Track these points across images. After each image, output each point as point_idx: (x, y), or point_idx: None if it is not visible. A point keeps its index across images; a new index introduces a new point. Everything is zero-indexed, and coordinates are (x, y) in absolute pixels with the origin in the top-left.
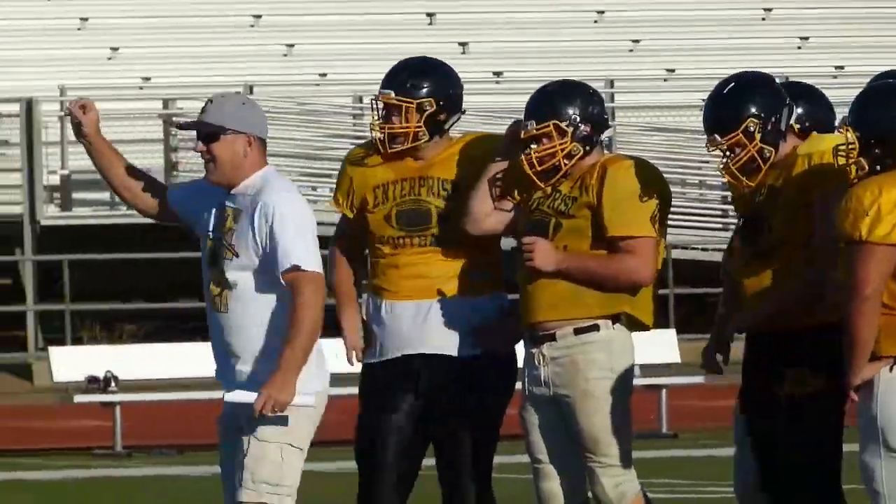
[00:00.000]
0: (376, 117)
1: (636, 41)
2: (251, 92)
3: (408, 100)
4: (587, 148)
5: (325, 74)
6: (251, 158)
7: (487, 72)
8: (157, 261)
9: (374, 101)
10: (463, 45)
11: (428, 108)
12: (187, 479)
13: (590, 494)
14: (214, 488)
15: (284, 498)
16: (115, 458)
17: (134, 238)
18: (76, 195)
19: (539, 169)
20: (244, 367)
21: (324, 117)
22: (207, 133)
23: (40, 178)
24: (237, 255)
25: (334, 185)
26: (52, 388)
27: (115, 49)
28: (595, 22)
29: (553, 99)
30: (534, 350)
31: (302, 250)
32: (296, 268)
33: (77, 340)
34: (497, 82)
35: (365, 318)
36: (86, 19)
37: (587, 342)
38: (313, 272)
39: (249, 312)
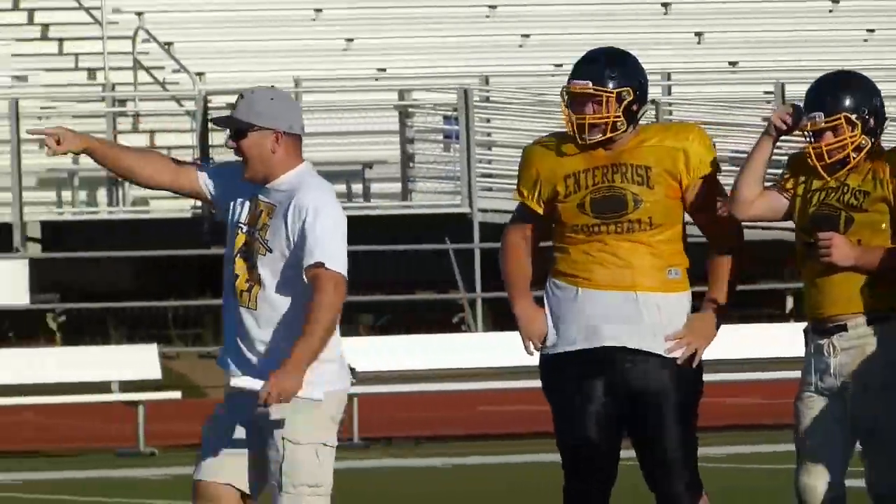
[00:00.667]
0: (566, 108)
1: (699, 34)
2: (486, 83)
3: (607, 90)
4: (873, 140)
5: (560, 65)
6: (280, 154)
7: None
8: (394, 252)
9: (564, 92)
10: (699, 34)
11: (626, 97)
12: (424, 470)
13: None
14: (452, 478)
15: (324, 498)
16: (352, 449)
17: (370, 229)
18: None
19: (827, 162)
20: (264, 363)
21: (558, 108)
22: (237, 130)
23: None
24: (270, 251)
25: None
26: None
27: (349, 40)
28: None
29: (841, 90)
30: (822, 341)
31: (329, 249)
32: (320, 265)
33: None
34: (733, 72)
35: (549, 306)
36: (320, 10)
37: (879, 332)
38: (337, 272)
39: (278, 310)
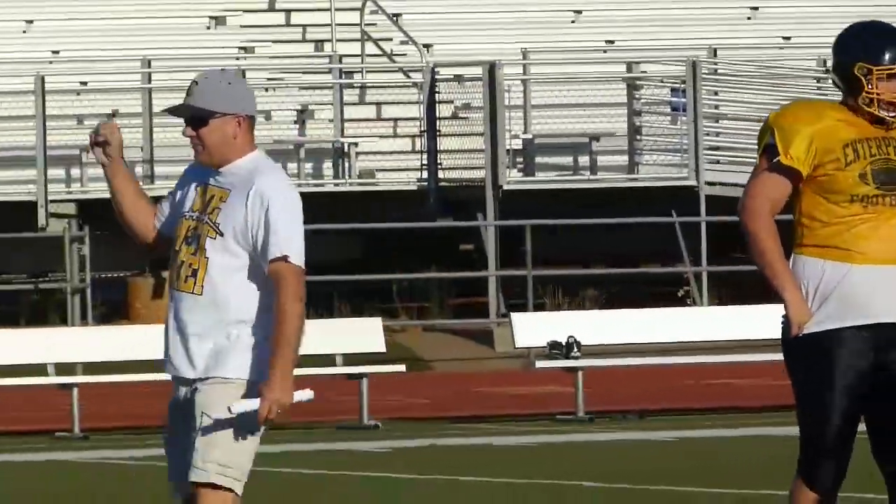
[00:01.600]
0: (869, 87)
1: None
2: (714, 55)
3: None
4: None
5: (789, 38)
6: (241, 138)
7: None
8: (619, 225)
9: (868, 72)
10: None
11: None
12: (648, 444)
13: None
14: (678, 452)
15: (232, 481)
16: (577, 423)
17: (596, 202)
18: (539, 159)
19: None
20: (202, 348)
21: (786, 80)
22: (195, 118)
23: (503, 143)
24: (221, 235)
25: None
26: (514, 353)
27: (577, 12)
28: None
29: None
30: None
31: (292, 242)
32: (284, 258)
33: (539, 306)
34: None
35: (808, 281)
36: None
37: None
38: (299, 266)
39: (224, 294)
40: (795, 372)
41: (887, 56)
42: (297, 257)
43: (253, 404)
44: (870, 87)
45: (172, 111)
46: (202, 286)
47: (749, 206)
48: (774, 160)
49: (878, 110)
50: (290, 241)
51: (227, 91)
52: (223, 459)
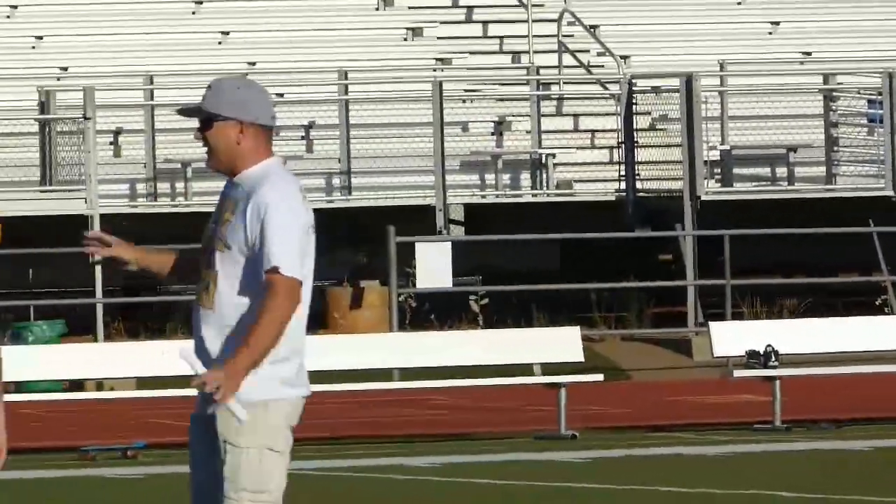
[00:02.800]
0: None
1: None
2: None
3: None
4: None
5: None
6: (245, 146)
7: None
8: (816, 235)
9: None
10: None
11: None
12: (845, 454)
13: None
14: (873, 462)
15: None
16: (774, 432)
17: (793, 212)
18: (736, 170)
19: None
20: (215, 364)
21: None
22: (202, 120)
23: (700, 153)
24: (228, 248)
25: None
26: (712, 362)
27: (775, 23)
28: None
29: None
30: None
31: (284, 253)
32: (275, 269)
33: (737, 315)
34: None
35: None
36: None
37: None
38: (290, 277)
39: (232, 311)
40: None
41: None
42: (289, 268)
43: (199, 367)
44: None
45: (182, 111)
46: (213, 300)
47: None
48: None
49: None
50: (281, 253)
51: (234, 96)
52: (253, 486)
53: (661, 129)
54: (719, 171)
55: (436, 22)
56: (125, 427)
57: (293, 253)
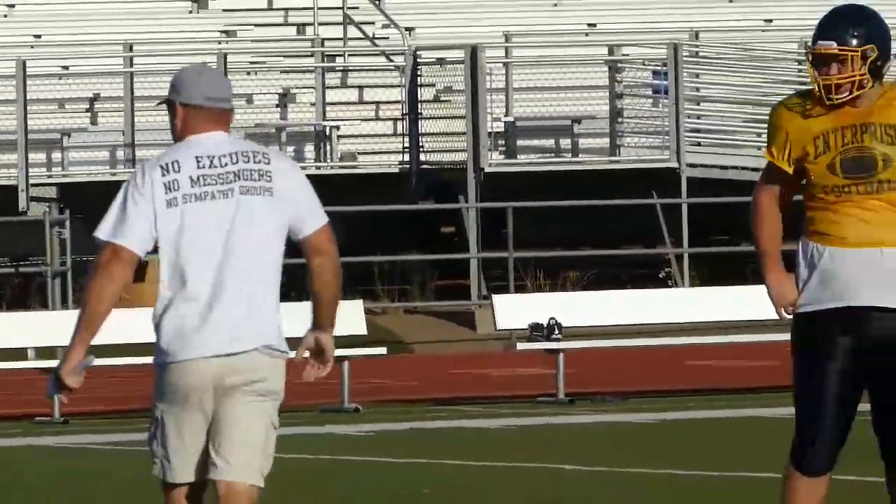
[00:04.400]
0: (812, 70)
1: None
2: (696, 38)
3: (851, 49)
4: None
5: (770, 20)
6: (178, 126)
7: None
8: (600, 207)
9: (809, 55)
10: None
11: (871, 54)
12: (629, 426)
13: None
14: (657, 434)
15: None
16: (558, 405)
17: (577, 184)
18: (520, 142)
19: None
20: None
21: (767, 63)
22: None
23: (484, 125)
24: None
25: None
26: (495, 335)
27: None
28: None
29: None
30: None
31: (103, 221)
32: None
33: (520, 288)
34: None
35: (801, 265)
36: None
37: None
38: (104, 242)
39: None
40: (792, 353)
41: (817, 38)
42: (101, 232)
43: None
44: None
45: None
46: None
47: (753, 196)
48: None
49: (825, 96)
50: (102, 221)
51: (174, 79)
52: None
53: (445, 101)
54: (503, 142)
55: None
56: None
57: (108, 218)
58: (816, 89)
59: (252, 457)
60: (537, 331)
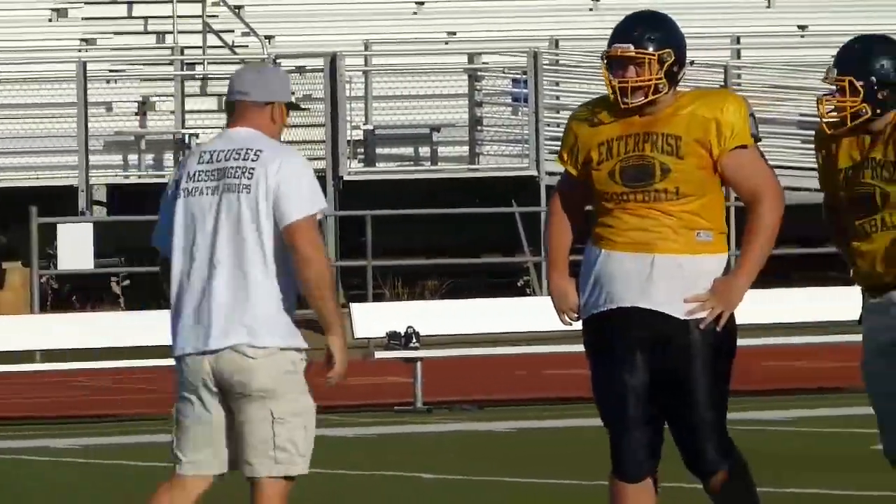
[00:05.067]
0: (607, 72)
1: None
2: (556, 46)
3: (648, 52)
4: (878, 111)
5: None
6: None
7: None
8: (460, 216)
9: (604, 56)
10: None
11: (667, 59)
12: (487, 435)
13: None
14: (514, 443)
15: None
16: (415, 413)
17: (436, 193)
18: (380, 150)
19: (824, 116)
20: None
21: None
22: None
23: (343, 133)
24: None
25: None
26: (353, 343)
27: (420, 3)
28: None
29: (859, 54)
30: (875, 301)
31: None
32: None
33: (378, 297)
34: (802, 36)
35: (583, 268)
36: None
37: None
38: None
39: None
40: (587, 359)
41: (613, 41)
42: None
43: None
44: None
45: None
46: None
47: (549, 201)
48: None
49: (621, 99)
50: None
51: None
52: None
53: (304, 109)
54: (362, 150)
55: (80, 2)
56: None
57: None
58: (611, 92)
59: (263, 453)
60: (395, 339)
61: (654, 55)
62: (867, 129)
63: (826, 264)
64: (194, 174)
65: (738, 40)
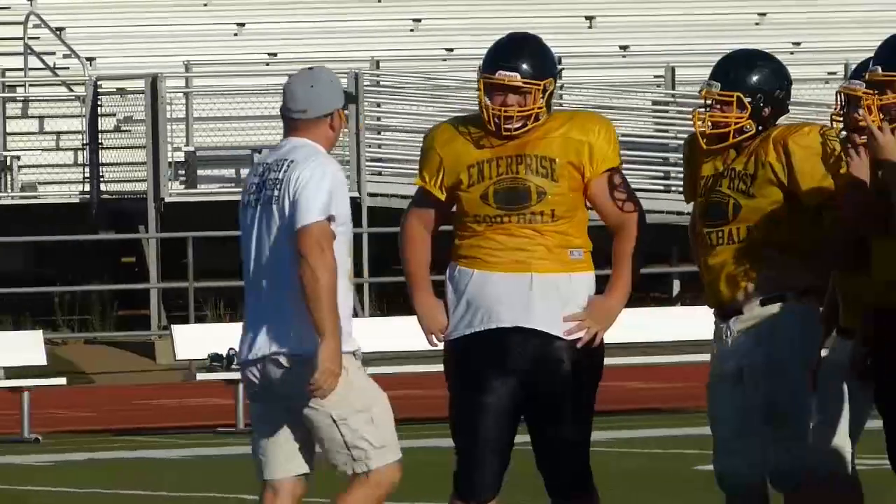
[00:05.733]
0: (485, 97)
1: (590, 17)
2: (377, 67)
3: (535, 83)
4: (759, 128)
5: (451, 49)
6: None
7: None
8: None
9: (483, 82)
10: (590, 18)
11: (550, 87)
12: None
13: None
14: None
15: None
16: (237, 435)
17: None
18: (201, 172)
19: (707, 132)
20: None
21: (449, 92)
22: None
23: (165, 155)
24: None
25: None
26: (175, 365)
27: (241, 24)
28: None
29: (744, 68)
30: (721, 325)
31: None
32: None
33: (201, 318)
34: (624, 56)
35: (449, 291)
36: None
37: (774, 315)
38: None
39: None
40: (447, 381)
41: (497, 67)
42: None
43: None
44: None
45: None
46: None
47: (402, 221)
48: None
49: (503, 126)
50: None
51: None
52: None
53: (126, 131)
54: (184, 172)
55: None
56: None
57: None
58: (486, 117)
59: (334, 454)
60: (217, 361)
61: (539, 85)
62: (738, 143)
63: (650, 285)
64: (248, 187)
65: (559, 60)
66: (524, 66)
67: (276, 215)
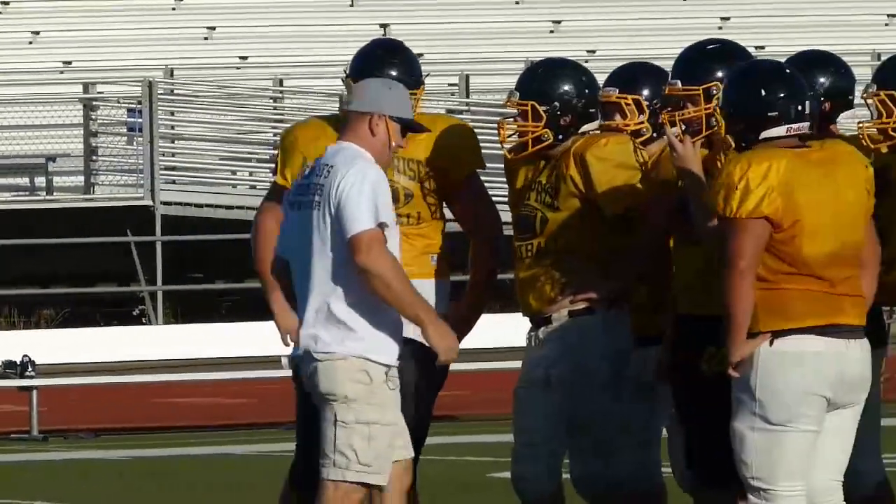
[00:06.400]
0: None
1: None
2: (171, 75)
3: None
4: (559, 137)
5: (245, 57)
6: None
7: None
8: (75, 245)
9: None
10: (385, 26)
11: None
12: (103, 463)
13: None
14: (130, 472)
15: None
16: (31, 442)
17: (52, 222)
18: None
19: (504, 139)
20: None
21: (243, 100)
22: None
23: None
24: None
25: (277, 162)
26: None
27: (35, 32)
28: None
29: (545, 77)
30: (531, 333)
31: None
32: None
33: None
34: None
35: None
36: (7, 3)
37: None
38: None
39: None
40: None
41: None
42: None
43: None
44: None
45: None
46: None
47: (255, 220)
48: (273, 178)
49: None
50: None
51: None
52: None
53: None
54: None
55: None
56: None
57: None
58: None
59: (325, 455)
60: (11, 368)
61: (415, 93)
62: (546, 154)
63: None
64: (295, 187)
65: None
66: (412, 77)
67: (315, 220)
